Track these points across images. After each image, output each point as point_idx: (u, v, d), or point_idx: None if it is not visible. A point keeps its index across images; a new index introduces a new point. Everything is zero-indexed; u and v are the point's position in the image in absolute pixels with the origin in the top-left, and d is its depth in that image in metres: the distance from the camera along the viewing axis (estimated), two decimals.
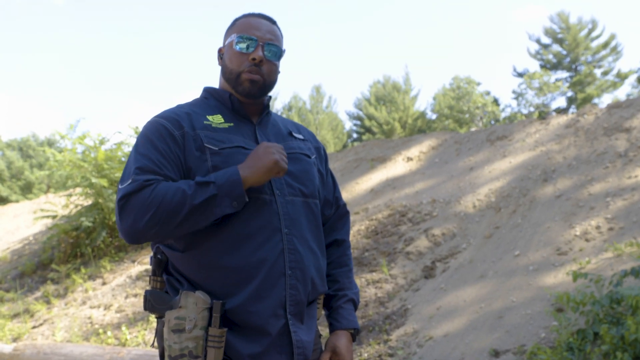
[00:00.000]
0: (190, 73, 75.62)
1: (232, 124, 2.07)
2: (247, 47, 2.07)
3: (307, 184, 2.13)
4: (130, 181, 1.87)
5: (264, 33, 2.10)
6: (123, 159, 12.33)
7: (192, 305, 1.86)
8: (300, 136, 2.26)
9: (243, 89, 2.07)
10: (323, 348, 2.20)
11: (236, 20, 2.17)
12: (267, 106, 2.17)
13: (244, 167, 1.89)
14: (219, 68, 2.20)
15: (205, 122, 2.03)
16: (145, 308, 1.99)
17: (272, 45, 2.10)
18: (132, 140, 12.72)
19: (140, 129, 2.12)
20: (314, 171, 2.20)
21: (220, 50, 2.18)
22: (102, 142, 12.34)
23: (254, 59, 2.05)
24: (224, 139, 2.00)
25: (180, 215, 1.82)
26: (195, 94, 2.23)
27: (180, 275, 1.97)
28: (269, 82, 2.11)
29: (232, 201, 1.85)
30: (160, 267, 2.00)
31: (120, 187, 1.90)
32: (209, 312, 1.87)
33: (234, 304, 1.91)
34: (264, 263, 1.95)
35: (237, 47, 2.07)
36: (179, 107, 2.10)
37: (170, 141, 1.96)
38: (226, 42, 2.13)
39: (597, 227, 7.36)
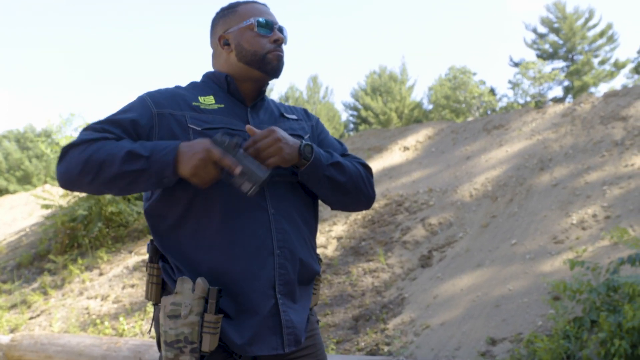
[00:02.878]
0: (190, 67, 75.47)
1: (222, 105, 2.08)
2: (268, 31, 2.12)
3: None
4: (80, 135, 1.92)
5: (274, 17, 2.18)
6: None
7: (188, 291, 1.86)
8: (294, 116, 2.26)
9: (272, 67, 2.11)
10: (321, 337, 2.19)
11: (233, 7, 2.18)
12: (264, 91, 2.18)
13: (180, 154, 1.84)
14: (220, 55, 2.19)
15: (194, 103, 2.04)
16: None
17: (283, 28, 2.19)
18: None
19: None
20: None
21: (222, 37, 2.16)
22: None
23: (276, 40, 2.12)
24: (209, 119, 2.01)
25: (108, 177, 1.83)
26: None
27: (173, 259, 1.96)
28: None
29: (159, 180, 1.85)
30: (157, 254, 2.01)
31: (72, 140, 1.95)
32: (205, 298, 1.87)
33: (224, 286, 1.92)
34: (251, 243, 1.95)
35: (261, 31, 2.11)
36: (176, 87, 2.13)
37: (141, 119, 1.98)
38: (236, 27, 2.13)
39: (594, 216, 7.36)
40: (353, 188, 2.13)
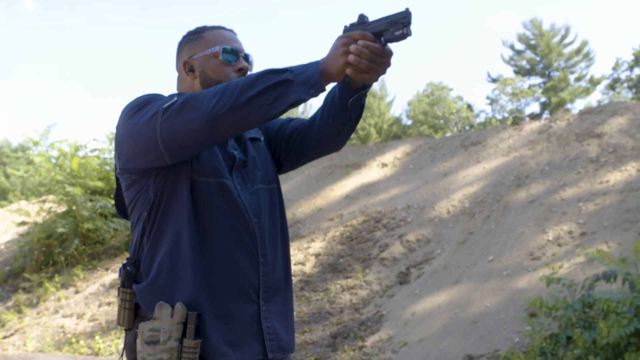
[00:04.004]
0: (164, 79, 75.30)
1: None
2: (233, 59, 2.11)
3: (264, 171, 2.14)
4: (176, 97, 1.84)
5: (240, 44, 2.17)
6: (106, 166, 12.29)
7: (167, 317, 1.85)
8: None
9: None
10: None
11: (200, 33, 2.17)
12: None
13: (323, 60, 1.84)
14: (184, 81, 2.17)
15: None
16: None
17: (249, 56, 2.19)
18: (108, 147, 12.65)
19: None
20: (268, 154, 2.22)
21: (187, 63, 2.14)
22: (77, 149, 12.26)
23: (241, 69, 2.11)
24: None
25: (252, 94, 1.77)
26: None
27: (155, 267, 1.95)
28: None
29: (308, 88, 1.79)
30: (130, 278, 1.98)
31: (164, 105, 1.85)
32: (184, 323, 1.85)
33: (209, 292, 1.92)
34: (235, 251, 1.96)
35: (225, 58, 2.10)
36: None
37: None
38: (201, 54, 2.12)
39: (570, 232, 7.42)
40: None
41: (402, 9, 1.80)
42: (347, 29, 1.89)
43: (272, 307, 2.03)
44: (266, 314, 2.00)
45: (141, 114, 1.88)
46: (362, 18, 1.87)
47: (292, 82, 1.78)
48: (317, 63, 1.82)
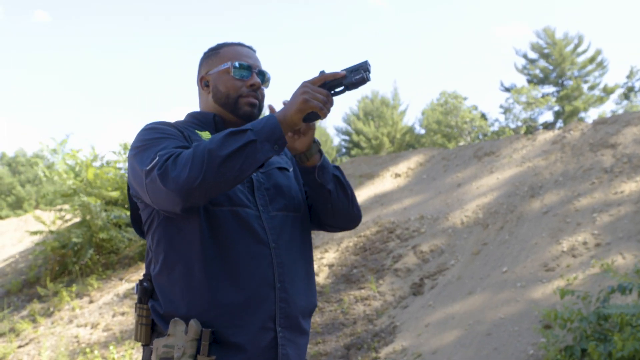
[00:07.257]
0: (176, 90, 75.63)
1: None
2: (245, 74, 2.14)
3: (289, 198, 2.14)
4: (157, 157, 1.83)
5: (255, 61, 2.19)
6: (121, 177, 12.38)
7: (181, 333, 1.86)
8: None
9: (244, 112, 2.12)
10: None
11: (217, 49, 2.21)
12: None
13: (279, 112, 1.89)
14: (202, 96, 2.23)
15: (196, 137, 2.06)
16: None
17: (265, 73, 2.20)
18: (123, 159, 12.73)
19: (130, 143, 2.12)
20: (295, 184, 2.22)
21: (204, 79, 2.19)
22: (94, 159, 12.36)
23: (252, 85, 2.13)
24: None
25: (218, 162, 1.76)
26: (181, 110, 2.25)
27: (171, 290, 1.95)
28: (262, 105, 2.19)
29: (272, 145, 1.83)
30: (146, 295, 2.00)
31: (145, 167, 1.85)
32: (198, 340, 1.86)
33: (224, 317, 1.91)
34: (252, 276, 1.96)
35: (236, 74, 2.13)
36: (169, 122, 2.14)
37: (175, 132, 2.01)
38: (216, 70, 2.16)
39: (584, 243, 7.39)
40: (351, 194, 2.24)
41: (362, 60, 1.92)
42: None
43: (288, 334, 2.02)
44: (283, 341, 1.99)
45: (137, 160, 1.91)
46: (321, 74, 1.94)
47: (255, 142, 1.80)
48: (273, 116, 1.86)
